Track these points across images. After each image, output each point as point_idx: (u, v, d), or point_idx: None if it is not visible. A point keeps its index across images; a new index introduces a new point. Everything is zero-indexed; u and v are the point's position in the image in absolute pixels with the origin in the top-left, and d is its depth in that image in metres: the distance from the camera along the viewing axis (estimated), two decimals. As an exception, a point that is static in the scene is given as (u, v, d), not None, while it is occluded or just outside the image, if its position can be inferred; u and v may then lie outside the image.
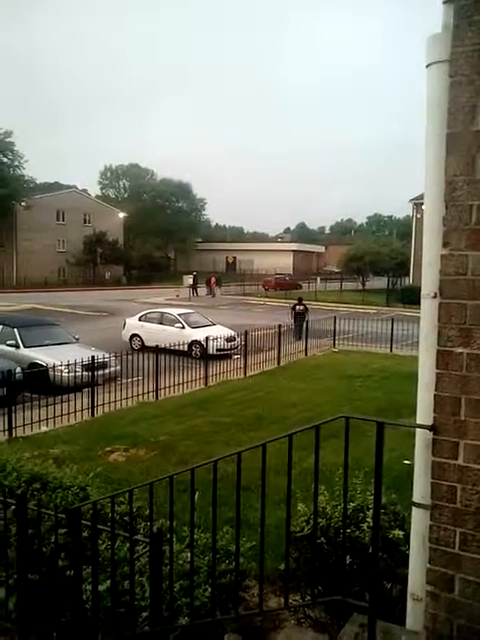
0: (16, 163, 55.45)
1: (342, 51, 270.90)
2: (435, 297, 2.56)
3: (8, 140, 54.10)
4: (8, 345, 14.75)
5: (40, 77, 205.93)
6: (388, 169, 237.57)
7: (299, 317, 22.26)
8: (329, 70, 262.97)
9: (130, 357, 12.90)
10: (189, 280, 48.37)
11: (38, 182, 64.23)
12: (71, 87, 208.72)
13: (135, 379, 12.91)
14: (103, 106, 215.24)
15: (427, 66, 2.53)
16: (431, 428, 2.59)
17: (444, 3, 2.42)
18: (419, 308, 2.73)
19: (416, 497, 2.76)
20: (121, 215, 67.38)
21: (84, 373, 12.26)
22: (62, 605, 3.87)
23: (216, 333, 18.29)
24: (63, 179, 75.11)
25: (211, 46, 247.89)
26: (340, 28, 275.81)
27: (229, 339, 19.13)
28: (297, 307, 23.41)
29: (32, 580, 3.99)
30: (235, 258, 78.72)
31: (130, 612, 3.57)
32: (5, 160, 54.56)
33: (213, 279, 49.74)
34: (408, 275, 47.47)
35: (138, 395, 12.67)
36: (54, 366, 12.33)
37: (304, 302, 24.13)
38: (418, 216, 43.81)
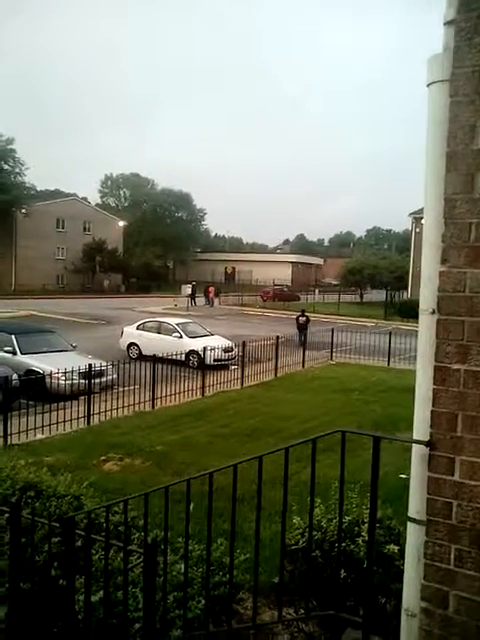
0: (17, 170, 55.64)
1: (343, 64, 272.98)
2: (433, 313, 2.58)
3: (9, 147, 54.32)
4: (5, 351, 14.72)
5: (41, 85, 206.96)
6: (388, 183, 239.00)
7: (302, 328, 23.31)
8: (330, 83, 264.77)
9: (127, 366, 12.89)
10: (187, 290, 48.41)
11: (39, 189, 64.49)
12: (72, 95, 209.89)
13: (132, 388, 12.88)
14: (104, 115, 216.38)
15: (428, 85, 2.56)
16: (427, 443, 2.59)
17: (445, 25, 2.46)
18: (417, 322, 2.74)
19: (411, 512, 2.76)
20: (121, 224, 67.59)
21: (81, 381, 12.25)
22: (54, 615, 3.85)
23: (214, 343, 18.29)
24: (64, 187, 75.41)
25: (212, 56, 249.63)
26: (342, 41, 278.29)
27: (227, 349, 19.13)
28: (300, 318, 24.37)
29: (24, 589, 3.96)
30: (234, 268, 78.88)
31: (123, 623, 3.54)
32: (6, 167, 54.71)
33: (212, 289, 49.83)
34: (406, 289, 47.63)
35: (134, 404, 12.64)
36: (51, 373, 12.31)
37: (306, 314, 25.09)
38: (417, 230, 44.05)
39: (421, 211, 2.65)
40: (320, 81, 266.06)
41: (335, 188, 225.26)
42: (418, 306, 2.70)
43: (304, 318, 24.28)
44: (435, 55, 2.51)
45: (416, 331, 2.79)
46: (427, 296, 2.63)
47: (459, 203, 2.44)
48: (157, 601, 3.51)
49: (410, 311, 34.15)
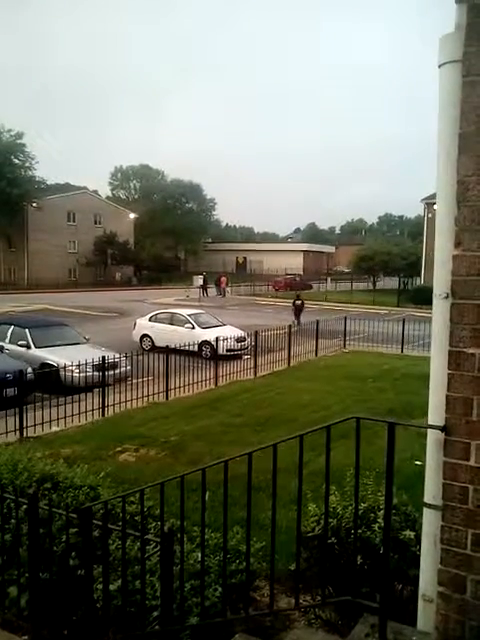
0: (27, 164, 55.85)
1: (351, 50, 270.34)
2: (447, 297, 2.55)
3: (19, 142, 54.49)
4: (19, 345, 14.83)
5: (50, 78, 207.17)
6: (399, 169, 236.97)
7: (298, 310, 27.47)
8: (338, 69, 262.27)
9: (140, 357, 12.93)
10: (199, 280, 48.42)
11: (49, 183, 64.52)
12: (81, 89, 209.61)
13: (145, 379, 12.93)
14: (113, 107, 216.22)
15: (439, 66, 2.52)
16: (443, 429, 2.58)
17: (457, 2, 2.41)
18: (430, 308, 2.72)
19: (427, 498, 2.75)
20: (131, 216, 67.63)
21: (95, 373, 12.30)
22: (73, 603, 3.89)
23: (226, 333, 18.29)
24: (74, 180, 75.53)
25: (221, 46, 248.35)
26: (353, 24, 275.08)
27: (239, 339, 19.14)
28: (296, 302, 28.21)
29: (43, 579, 4.01)
30: (245, 258, 78.76)
31: (141, 611, 3.58)
32: (16, 161, 54.92)
33: (223, 279, 49.81)
34: (419, 275, 47.27)
35: (148, 395, 12.69)
36: (65, 366, 12.38)
37: (302, 298, 29.07)
38: (429, 216, 43.65)
39: (433, 196, 2.63)
40: (329, 67, 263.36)
41: (346, 175, 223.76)
42: (431, 292, 2.67)
43: (299, 302, 27.99)
44: (447, 34, 2.47)
45: (430, 318, 2.77)
46: (441, 280, 2.61)
47: (472, 185, 2.41)
48: (174, 589, 3.53)
49: (423, 298, 33.91)
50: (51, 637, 3.96)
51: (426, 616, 2.80)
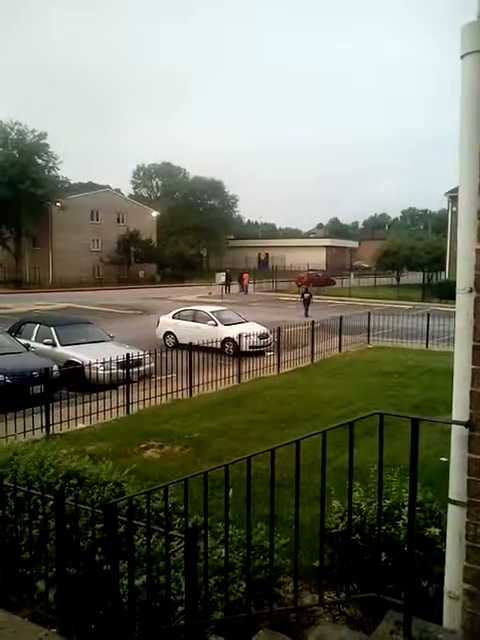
0: (51, 164, 56.39)
1: (375, 44, 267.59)
2: (471, 292, 2.52)
3: (43, 142, 55.05)
4: (45, 344, 15.03)
5: (72, 78, 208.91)
6: (423, 162, 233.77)
7: (306, 302, 31.86)
8: (363, 64, 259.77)
9: (164, 355, 12.99)
10: (222, 277, 48.51)
11: (72, 182, 65.17)
12: (103, 87, 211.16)
13: (169, 376, 12.99)
14: (136, 106, 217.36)
15: (462, 57, 2.47)
16: (467, 424, 2.55)
17: (480, -9, 2.37)
18: (455, 303, 2.68)
19: (452, 494, 2.73)
20: (154, 214, 67.96)
21: (119, 371, 12.41)
22: (99, 598, 3.94)
23: (249, 330, 18.31)
24: (97, 179, 76.10)
25: (242, 43, 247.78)
26: (374, 21, 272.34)
27: (262, 336, 19.12)
28: (305, 294, 32.75)
29: (70, 573, 4.07)
30: (267, 255, 78.63)
31: (166, 606, 3.61)
32: (40, 161, 55.47)
33: (246, 276, 49.82)
34: (444, 269, 46.68)
35: (172, 392, 12.76)
36: (90, 364, 12.51)
37: (310, 292, 33.52)
38: (454, 209, 43.00)
39: (457, 190, 2.58)
40: (354, 61, 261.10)
41: (369, 170, 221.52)
42: (456, 287, 2.64)
43: (308, 294, 32.54)
44: (469, 23, 2.42)
45: (454, 312, 2.74)
46: (464, 275, 2.57)
47: (495, 178, 2.37)
48: (199, 585, 3.56)
49: (448, 292, 33.47)
50: (78, 631, 4.01)
51: (452, 614, 2.78)
